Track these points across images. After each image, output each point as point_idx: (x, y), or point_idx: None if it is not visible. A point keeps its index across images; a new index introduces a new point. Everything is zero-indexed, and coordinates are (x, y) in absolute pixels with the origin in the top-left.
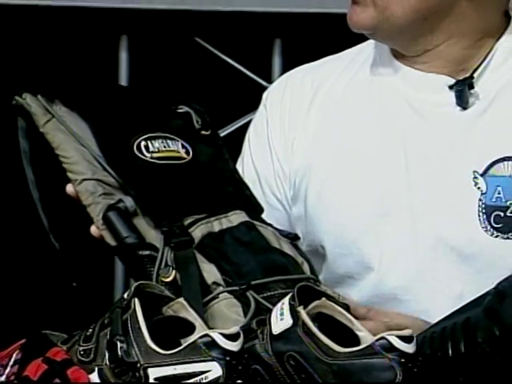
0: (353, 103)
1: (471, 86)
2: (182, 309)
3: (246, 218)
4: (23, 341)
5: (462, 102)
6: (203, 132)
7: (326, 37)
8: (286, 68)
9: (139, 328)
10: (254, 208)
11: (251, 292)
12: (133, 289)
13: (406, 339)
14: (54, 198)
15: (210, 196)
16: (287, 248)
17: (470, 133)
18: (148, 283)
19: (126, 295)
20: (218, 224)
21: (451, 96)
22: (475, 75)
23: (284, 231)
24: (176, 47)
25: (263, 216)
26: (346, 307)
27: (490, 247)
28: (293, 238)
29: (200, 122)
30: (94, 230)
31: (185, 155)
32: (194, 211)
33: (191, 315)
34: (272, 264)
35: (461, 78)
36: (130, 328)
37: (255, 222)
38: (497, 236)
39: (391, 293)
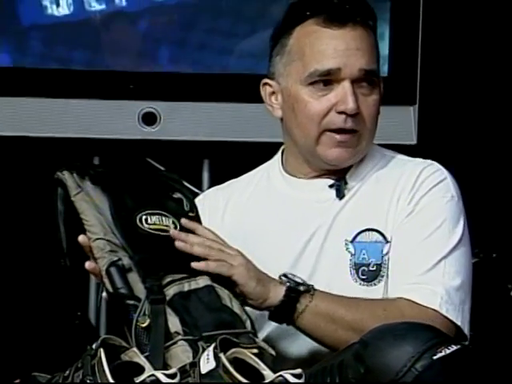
0: (254, 207)
1: (346, 183)
2: (135, 356)
3: (209, 282)
4: (18, 381)
5: (340, 194)
6: (190, 213)
7: (242, 158)
8: (212, 180)
9: (103, 370)
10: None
11: (201, 342)
12: (99, 341)
13: (297, 376)
14: (75, 246)
15: (187, 261)
16: (236, 307)
17: (343, 213)
18: (110, 337)
19: (94, 346)
20: (187, 285)
21: (332, 192)
22: (348, 175)
23: (237, 294)
24: (132, 165)
25: None
26: (258, 353)
27: (359, 293)
28: (242, 301)
29: (189, 206)
30: (94, 267)
31: (173, 229)
32: (174, 271)
33: (142, 360)
34: (221, 321)
35: (336, 177)
36: (96, 370)
37: (215, 285)
38: (363, 285)
39: (290, 329)
